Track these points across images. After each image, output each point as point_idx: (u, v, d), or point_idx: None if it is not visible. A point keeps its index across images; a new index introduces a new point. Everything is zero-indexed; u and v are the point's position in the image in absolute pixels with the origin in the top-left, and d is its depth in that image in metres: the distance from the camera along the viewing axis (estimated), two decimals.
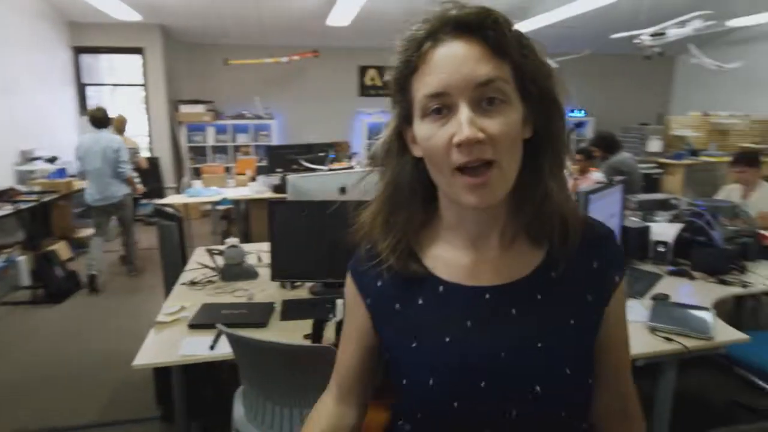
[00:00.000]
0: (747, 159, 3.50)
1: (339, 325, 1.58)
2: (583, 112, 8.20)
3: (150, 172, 6.04)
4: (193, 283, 2.22)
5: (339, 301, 1.76)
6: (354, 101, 8.10)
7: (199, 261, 2.49)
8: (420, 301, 0.70)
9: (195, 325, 1.76)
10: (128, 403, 2.61)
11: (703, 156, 6.37)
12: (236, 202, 4.93)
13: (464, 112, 0.58)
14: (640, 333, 1.69)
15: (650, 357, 1.60)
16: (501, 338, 0.66)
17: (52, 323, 3.71)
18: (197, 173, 6.70)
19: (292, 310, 1.92)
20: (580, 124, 8.22)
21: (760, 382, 2.24)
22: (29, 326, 3.65)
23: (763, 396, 2.31)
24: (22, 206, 4.32)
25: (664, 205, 3.20)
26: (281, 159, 5.04)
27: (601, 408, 0.73)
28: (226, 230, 5.62)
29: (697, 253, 2.34)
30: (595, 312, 0.68)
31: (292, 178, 2.46)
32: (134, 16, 5.77)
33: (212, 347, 1.62)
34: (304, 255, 2.09)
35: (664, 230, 2.52)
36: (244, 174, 5.45)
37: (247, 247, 2.43)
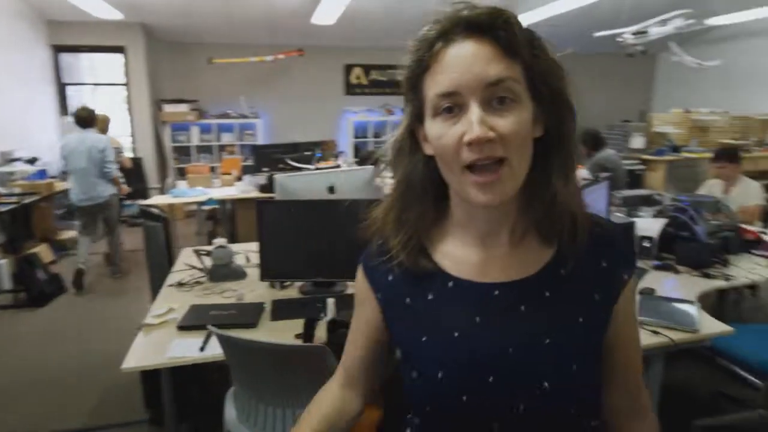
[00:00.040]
0: (727, 155, 3.56)
1: (330, 325, 1.58)
2: None
3: (133, 172, 5.96)
4: (180, 285, 2.19)
5: (329, 300, 1.75)
6: (340, 100, 8.08)
7: (187, 262, 2.46)
8: (430, 297, 0.71)
9: (184, 327, 1.74)
10: (116, 406, 2.57)
11: (684, 152, 6.47)
12: (222, 202, 4.89)
13: (475, 112, 0.59)
14: None
15: None
16: (509, 334, 0.67)
17: (35, 327, 3.64)
18: (182, 173, 6.62)
19: (282, 310, 1.91)
20: None
21: (744, 373, 2.29)
22: (12, 331, 3.58)
23: (747, 386, 2.36)
24: (2, 209, 4.24)
25: (647, 201, 3.25)
26: (267, 158, 5.01)
27: (612, 406, 0.74)
28: (212, 231, 5.57)
29: (681, 248, 2.38)
30: (603, 310, 0.69)
31: (279, 177, 2.44)
32: (115, 15, 5.68)
33: (202, 349, 1.60)
34: (294, 254, 2.08)
35: (648, 225, 2.55)
36: (229, 174, 5.39)
37: (234, 247, 2.41)
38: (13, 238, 4.40)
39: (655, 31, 4.59)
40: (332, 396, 0.83)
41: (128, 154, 6.37)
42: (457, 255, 0.71)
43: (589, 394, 0.67)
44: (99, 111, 4.56)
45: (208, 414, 2.22)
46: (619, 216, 2.72)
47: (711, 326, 1.74)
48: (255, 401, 1.44)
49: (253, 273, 2.29)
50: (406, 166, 0.70)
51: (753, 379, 2.29)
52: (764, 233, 2.85)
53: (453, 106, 0.60)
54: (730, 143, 5.92)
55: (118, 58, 6.60)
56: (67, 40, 6.38)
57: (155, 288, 2.45)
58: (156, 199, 4.77)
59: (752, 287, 3.35)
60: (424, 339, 0.70)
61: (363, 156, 4.79)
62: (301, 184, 2.43)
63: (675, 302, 1.86)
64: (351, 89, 8.16)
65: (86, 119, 4.28)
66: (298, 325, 1.74)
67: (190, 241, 5.04)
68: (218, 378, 2.25)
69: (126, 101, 6.76)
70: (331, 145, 6.80)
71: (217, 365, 1.61)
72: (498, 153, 0.59)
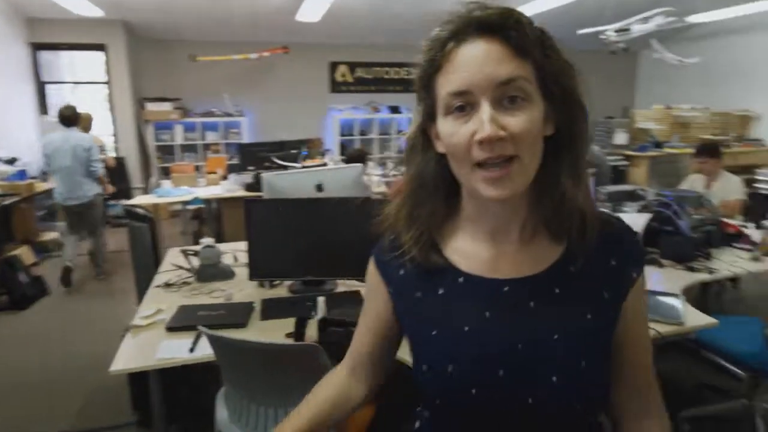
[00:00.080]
0: (709, 150, 3.63)
1: (321, 323, 1.58)
2: None
3: (116, 172, 5.87)
4: (168, 285, 2.17)
5: (320, 299, 1.75)
6: (325, 98, 8.05)
7: (174, 262, 2.43)
8: (440, 291, 0.72)
9: (173, 328, 1.73)
10: (103, 408, 2.54)
11: (666, 148, 6.57)
12: (208, 201, 4.84)
13: (486, 111, 0.60)
14: None
15: None
16: (519, 330, 0.68)
17: (18, 330, 3.57)
18: (166, 173, 6.54)
19: (272, 310, 1.90)
20: None
21: (727, 364, 2.34)
22: None
23: (730, 377, 2.42)
24: None
25: (632, 196, 3.29)
26: (253, 157, 4.97)
27: (620, 404, 0.75)
28: (198, 230, 5.52)
29: (665, 242, 2.42)
30: (612, 308, 0.69)
31: (267, 176, 2.43)
32: (95, 12, 5.58)
33: (192, 349, 1.59)
34: (283, 253, 2.07)
35: (633, 220, 2.59)
36: (215, 173, 5.34)
37: (222, 246, 2.39)
38: None
39: (638, 28, 4.65)
40: (338, 381, 0.85)
41: (110, 153, 6.28)
42: (467, 251, 0.72)
43: (596, 391, 0.68)
44: (81, 109, 4.50)
45: (198, 415, 2.20)
46: (604, 212, 2.75)
47: (696, 319, 1.77)
48: (246, 401, 1.44)
49: (242, 272, 2.27)
50: (419, 163, 0.71)
51: (735, 369, 2.34)
52: (745, 227, 2.92)
53: (464, 104, 0.61)
54: (711, 139, 6.03)
55: (99, 55, 6.49)
56: (47, 38, 6.26)
57: (141, 289, 2.42)
58: (140, 199, 4.71)
59: (733, 280, 3.42)
60: (434, 333, 0.71)
61: (350, 154, 4.78)
62: (289, 182, 2.42)
63: (660, 296, 1.89)
64: (336, 87, 8.13)
65: (70, 118, 4.24)
66: (288, 324, 1.74)
67: (176, 241, 4.98)
68: (207, 379, 2.24)
69: (107, 100, 6.65)
70: (317, 143, 6.77)
71: (206, 366, 1.60)
72: (508, 151, 0.60)
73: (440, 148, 0.68)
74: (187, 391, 2.24)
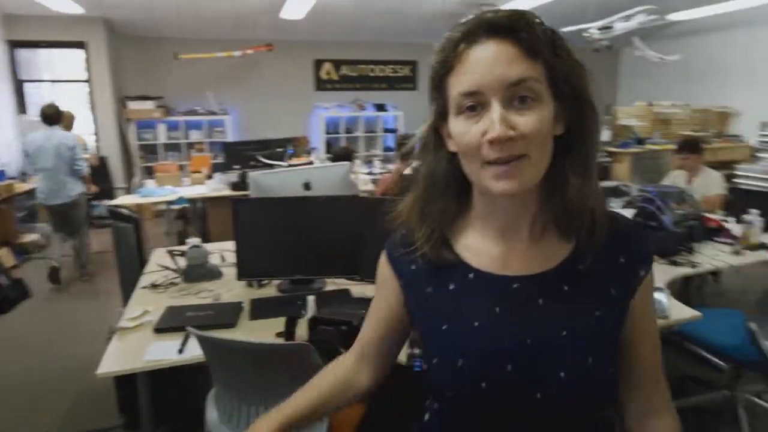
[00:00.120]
0: (690, 146, 3.69)
1: (311, 322, 1.57)
2: None
3: (98, 171, 5.77)
4: (154, 286, 2.15)
5: (310, 298, 1.75)
6: (310, 96, 8.01)
7: (160, 263, 2.41)
8: (451, 287, 0.73)
9: (161, 329, 1.71)
10: (88, 412, 2.50)
11: (648, 144, 6.66)
12: (193, 201, 4.79)
13: (496, 111, 0.61)
14: None
15: None
16: (528, 326, 0.69)
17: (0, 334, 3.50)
18: (149, 172, 6.46)
19: (261, 309, 1.89)
20: None
21: (709, 356, 2.39)
22: None
23: (712, 369, 2.47)
24: None
25: (616, 192, 3.34)
26: (238, 155, 4.92)
27: (628, 402, 0.76)
28: (183, 230, 5.46)
29: (649, 237, 2.46)
30: (620, 305, 0.70)
31: (254, 175, 2.41)
32: (75, 9, 5.47)
33: (181, 351, 1.57)
34: (271, 253, 2.06)
35: None
36: (199, 172, 5.28)
37: (208, 246, 2.37)
38: None
39: (620, 26, 4.71)
40: (345, 367, 0.87)
41: (92, 152, 6.17)
42: (478, 248, 0.74)
43: (604, 387, 0.69)
44: (62, 108, 4.43)
45: (186, 417, 2.18)
46: None
47: (680, 312, 1.80)
48: (237, 402, 1.43)
49: (229, 272, 2.26)
50: (431, 162, 0.73)
51: (717, 361, 2.40)
52: (725, 221, 2.98)
53: (476, 104, 0.63)
54: (692, 135, 6.13)
55: (79, 53, 6.37)
56: (25, 35, 6.12)
57: (127, 290, 2.39)
58: (124, 199, 4.65)
59: (714, 273, 3.49)
60: (444, 327, 0.72)
61: (337, 152, 4.76)
62: (276, 181, 2.40)
63: None
64: (321, 85, 8.10)
65: (52, 116, 4.18)
66: (277, 323, 1.73)
67: (160, 242, 4.93)
68: (195, 380, 2.22)
69: (88, 98, 6.53)
70: (303, 141, 6.74)
71: (193, 367, 1.59)
72: (518, 151, 0.61)
73: (452, 146, 0.69)
74: (175, 392, 2.22)
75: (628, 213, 2.63)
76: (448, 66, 0.65)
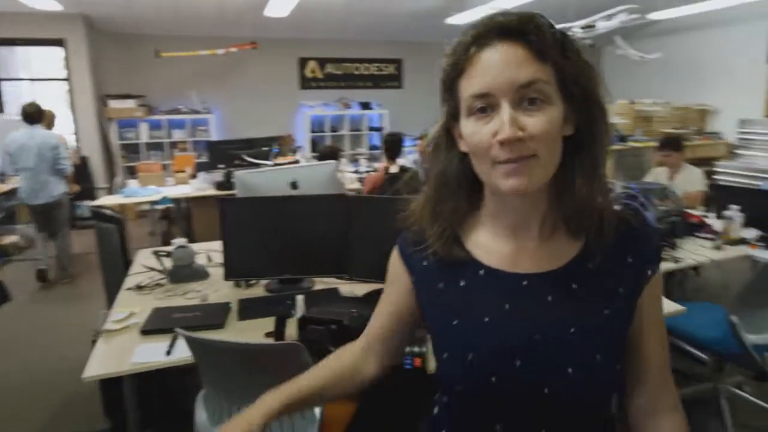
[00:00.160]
0: (672, 143, 3.76)
1: (300, 322, 1.56)
2: None
3: (79, 171, 5.67)
4: (140, 288, 2.12)
5: (299, 297, 1.74)
6: (295, 94, 7.97)
7: (145, 264, 2.38)
8: (462, 283, 0.75)
9: (148, 331, 1.69)
10: (73, 417, 2.47)
11: (630, 142, 6.75)
12: (177, 200, 4.74)
13: (506, 112, 0.62)
14: None
15: None
16: (536, 322, 0.70)
17: None
18: (131, 172, 6.37)
19: (249, 309, 1.87)
20: None
21: (691, 349, 2.43)
22: None
23: (694, 362, 2.52)
24: None
25: None
26: (222, 155, 4.88)
27: (634, 400, 0.76)
28: (167, 231, 5.39)
29: None
30: (628, 304, 0.71)
31: (240, 174, 2.39)
32: (53, 5, 5.36)
33: (169, 352, 1.55)
34: (258, 252, 2.05)
35: None
36: (183, 171, 5.23)
37: (194, 246, 2.34)
38: None
39: (602, 25, 4.77)
40: (352, 354, 0.89)
41: (73, 150, 6.06)
42: (489, 245, 0.75)
43: (611, 383, 0.70)
44: (44, 107, 4.37)
45: (174, 419, 2.16)
46: None
47: (665, 306, 1.82)
48: (227, 403, 1.42)
49: (216, 273, 2.24)
50: (442, 161, 0.74)
51: (699, 354, 2.44)
52: (707, 217, 3.04)
53: (486, 106, 0.64)
54: (672, 132, 6.23)
55: (58, 51, 6.25)
56: (1, 33, 5.98)
57: (111, 292, 2.36)
58: (106, 200, 4.58)
59: (696, 268, 3.56)
60: (455, 323, 0.74)
61: (323, 151, 4.74)
62: (263, 180, 2.38)
63: None
64: (306, 83, 8.06)
65: (34, 115, 4.13)
66: (266, 323, 1.72)
67: (144, 242, 4.86)
68: (182, 382, 2.20)
69: (68, 97, 6.41)
70: (289, 140, 6.71)
71: (180, 369, 1.57)
72: (527, 151, 0.63)
73: (463, 147, 0.71)
74: (162, 395, 2.20)
75: None
76: (460, 69, 0.66)
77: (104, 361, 1.54)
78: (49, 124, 4.62)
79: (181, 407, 1.70)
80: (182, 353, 1.53)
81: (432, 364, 1.49)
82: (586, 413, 0.71)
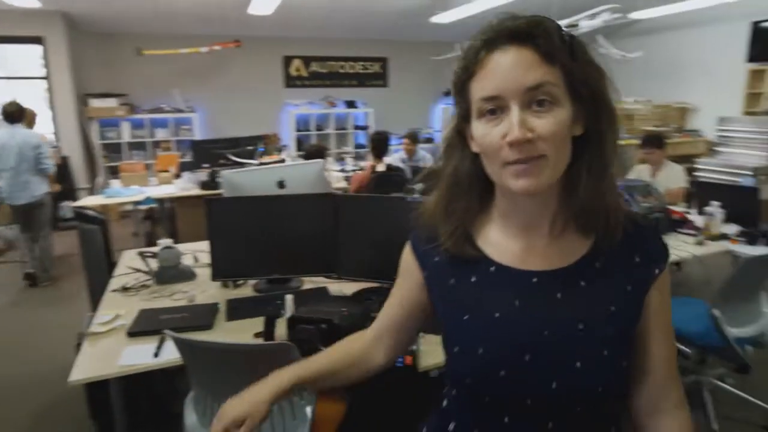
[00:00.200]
0: (654, 141, 3.82)
1: (290, 322, 1.56)
2: None
3: (60, 171, 5.57)
4: (125, 289, 2.09)
5: (288, 297, 1.73)
6: (280, 92, 7.92)
7: (130, 265, 2.34)
8: (473, 279, 0.77)
9: (134, 333, 1.66)
10: (58, 421, 2.42)
11: None
12: (160, 200, 4.68)
13: (515, 114, 0.64)
14: None
15: None
16: (545, 318, 0.72)
17: None
18: (113, 172, 6.27)
19: (237, 310, 1.86)
20: None
21: (675, 343, 2.48)
22: None
23: (678, 355, 2.56)
24: None
25: None
26: (207, 154, 4.83)
27: (641, 396, 0.77)
28: (151, 231, 5.33)
29: None
30: (635, 301, 0.73)
31: (226, 173, 2.37)
32: (31, 2, 5.25)
33: (156, 354, 1.54)
34: (246, 252, 2.03)
35: None
36: (167, 171, 5.17)
37: (180, 247, 2.32)
38: None
39: (586, 24, 4.82)
40: (362, 341, 0.92)
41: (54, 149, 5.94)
42: (500, 243, 0.77)
43: (617, 378, 0.72)
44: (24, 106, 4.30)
45: (162, 422, 2.14)
46: None
47: None
48: (218, 404, 1.40)
49: (203, 273, 2.22)
50: (455, 162, 0.76)
51: (683, 347, 2.49)
52: (688, 213, 3.09)
53: (496, 108, 0.66)
54: (653, 130, 6.33)
55: (36, 49, 6.12)
56: None
57: (95, 294, 2.32)
58: (88, 200, 4.50)
59: (677, 263, 3.62)
60: (466, 318, 0.76)
61: (308, 150, 4.72)
62: (250, 179, 2.37)
63: None
64: (291, 81, 8.01)
65: (14, 114, 4.08)
66: (254, 324, 1.71)
67: (128, 243, 4.78)
68: (171, 384, 2.18)
69: (47, 96, 6.28)
70: (274, 138, 6.66)
71: (165, 371, 1.55)
72: (536, 152, 0.64)
73: (474, 147, 0.72)
74: (149, 397, 2.17)
75: None
76: (470, 72, 0.68)
77: (91, 363, 1.52)
78: (30, 123, 4.54)
79: (170, 409, 1.69)
80: (170, 355, 1.52)
81: (423, 362, 1.49)
82: (592, 407, 0.73)
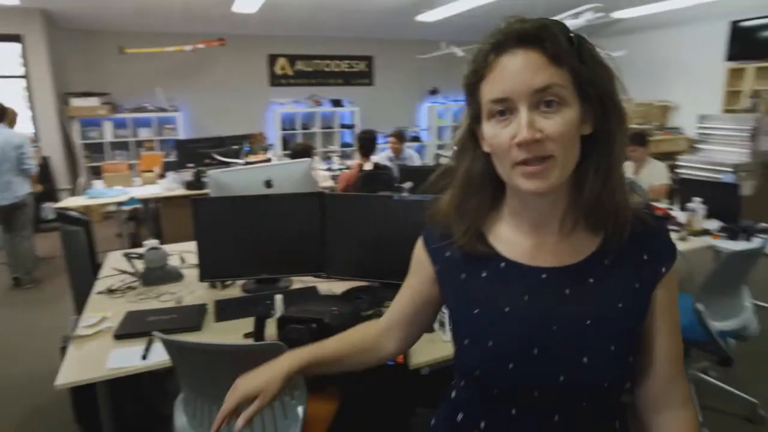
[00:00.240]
0: (637, 139, 3.87)
1: (279, 322, 1.55)
2: None
3: (40, 171, 5.47)
4: (111, 291, 2.06)
5: (278, 297, 1.72)
6: (265, 91, 7.86)
7: (115, 266, 2.31)
8: (484, 274, 0.79)
9: (121, 336, 1.64)
10: (42, 426, 2.37)
11: None
12: (145, 201, 4.62)
13: (524, 116, 0.66)
14: None
15: None
16: (554, 314, 0.74)
17: None
18: (95, 172, 6.17)
19: (226, 311, 1.85)
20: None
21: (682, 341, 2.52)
22: None
23: None
24: None
25: None
26: (191, 153, 4.79)
27: (644, 392, 0.78)
28: (135, 232, 5.25)
29: None
30: (642, 298, 0.74)
31: (213, 173, 2.35)
32: (9, 0, 5.14)
33: (145, 356, 1.52)
34: (234, 252, 2.02)
35: None
36: (151, 171, 5.10)
37: (166, 248, 2.29)
38: None
39: (569, 23, 4.84)
40: (376, 330, 0.94)
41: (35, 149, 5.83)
42: (510, 240, 0.79)
43: (623, 373, 0.73)
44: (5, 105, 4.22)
45: (151, 424, 2.11)
46: None
47: None
48: (208, 405, 1.39)
49: (190, 274, 2.20)
50: (467, 161, 0.78)
51: None
52: (671, 209, 3.15)
53: (505, 110, 0.68)
54: (635, 128, 6.42)
55: (14, 47, 5.99)
56: None
57: (79, 297, 2.28)
58: (70, 201, 4.43)
59: None
60: (476, 311, 0.78)
61: (295, 149, 4.70)
62: (236, 179, 2.35)
63: None
64: (276, 80, 7.95)
65: None
66: (244, 324, 1.70)
67: (112, 244, 4.71)
68: (160, 387, 2.15)
69: (26, 95, 6.16)
70: (260, 138, 6.62)
71: (155, 373, 1.53)
72: (545, 152, 0.66)
73: (486, 147, 0.74)
74: (137, 400, 2.14)
75: None
76: (480, 75, 0.70)
77: (78, 367, 1.50)
78: (12, 123, 4.46)
79: (159, 411, 1.67)
80: (159, 357, 1.50)
81: (414, 360, 1.50)
82: (598, 400, 0.74)
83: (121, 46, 6.55)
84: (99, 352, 1.56)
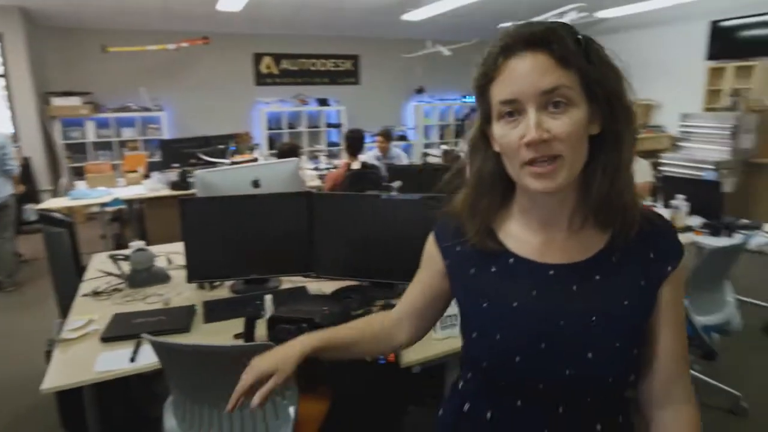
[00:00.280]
0: None
1: (270, 322, 1.54)
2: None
3: (21, 172, 5.37)
4: (97, 293, 2.03)
5: (267, 297, 1.72)
6: (250, 90, 7.81)
7: (100, 268, 2.28)
8: (493, 269, 0.81)
9: (109, 338, 1.62)
10: (28, 430, 2.33)
11: None
12: (129, 202, 4.56)
13: (532, 117, 0.68)
14: None
15: None
16: (561, 310, 0.76)
17: None
18: (78, 173, 6.08)
19: (215, 312, 1.83)
20: (474, 109, 8.64)
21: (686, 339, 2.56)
22: None
23: None
24: None
25: None
26: (176, 153, 4.74)
27: (648, 388, 0.79)
28: (119, 233, 5.18)
29: None
30: (648, 296, 0.76)
31: (200, 173, 2.33)
32: None
33: (133, 359, 1.50)
34: (222, 253, 2.01)
35: None
36: (135, 171, 5.03)
37: (152, 249, 2.27)
38: None
39: None
40: (388, 320, 0.97)
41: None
42: (520, 237, 0.81)
43: (627, 368, 0.75)
44: None
45: (140, 427, 2.09)
46: None
47: None
48: (198, 407, 1.38)
49: (178, 275, 2.18)
50: (479, 161, 0.80)
51: None
52: (655, 206, 3.19)
53: (514, 111, 0.70)
54: None
55: None
56: None
57: (64, 300, 2.24)
58: (52, 202, 4.36)
59: None
60: (485, 305, 0.80)
61: (282, 148, 4.67)
62: (223, 179, 2.33)
63: None
64: (261, 79, 7.90)
65: None
66: (233, 325, 1.69)
67: (96, 246, 4.64)
68: (148, 389, 2.13)
69: (5, 94, 6.04)
70: (246, 137, 6.58)
71: (143, 376, 1.52)
72: (553, 151, 0.68)
73: (496, 147, 0.76)
74: (125, 403, 2.12)
75: None
76: (489, 77, 0.72)
77: (64, 371, 1.47)
78: None
79: (147, 414, 1.65)
80: (147, 359, 1.49)
81: (405, 358, 1.50)
82: (603, 395, 0.76)
83: (103, 45, 6.46)
84: (86, 356, 1.54)
